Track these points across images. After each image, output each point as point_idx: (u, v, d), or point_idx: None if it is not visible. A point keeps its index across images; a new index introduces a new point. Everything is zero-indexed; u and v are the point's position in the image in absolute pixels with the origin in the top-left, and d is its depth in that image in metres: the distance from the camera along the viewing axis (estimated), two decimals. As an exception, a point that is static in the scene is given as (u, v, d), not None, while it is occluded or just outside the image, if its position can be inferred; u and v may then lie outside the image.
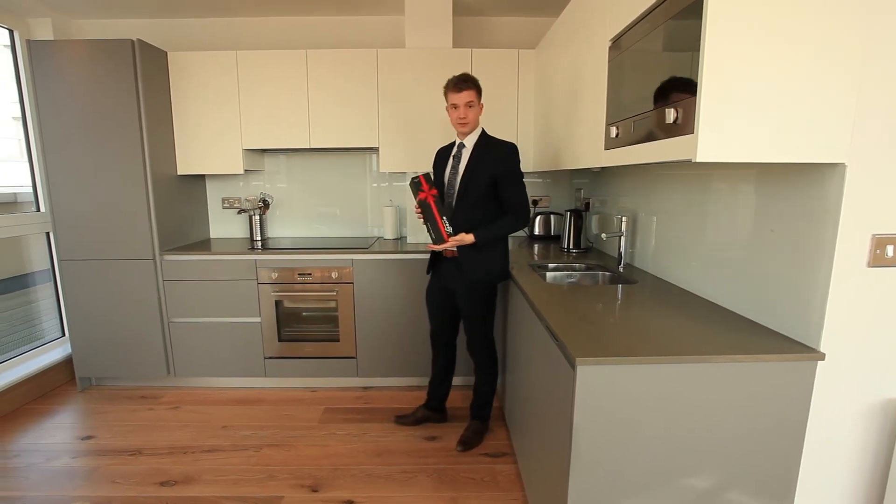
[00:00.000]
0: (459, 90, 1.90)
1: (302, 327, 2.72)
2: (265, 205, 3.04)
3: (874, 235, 1.10)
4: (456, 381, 2.65)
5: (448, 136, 2.21)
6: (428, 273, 2.18)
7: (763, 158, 1.04)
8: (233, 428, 2.34)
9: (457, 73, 1.95)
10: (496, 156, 1.95)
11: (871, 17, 1.00)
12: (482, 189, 1.94)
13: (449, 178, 2.02)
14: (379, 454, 2.11)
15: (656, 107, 1.20)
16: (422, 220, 1.96)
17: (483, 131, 2.01)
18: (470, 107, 1.91)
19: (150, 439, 2.24)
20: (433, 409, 2.34)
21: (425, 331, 2.39)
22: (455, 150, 2.02)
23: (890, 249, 1.11)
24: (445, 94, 1.95)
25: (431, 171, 2.08)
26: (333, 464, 2.04)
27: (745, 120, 1.01)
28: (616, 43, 1.51)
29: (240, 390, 2.74)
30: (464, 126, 1.94)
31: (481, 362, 2.14)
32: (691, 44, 1.03)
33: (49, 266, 2.92)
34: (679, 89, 1.10)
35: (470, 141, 1.99)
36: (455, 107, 1.92)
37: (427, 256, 2.20)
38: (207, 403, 2.59)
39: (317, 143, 2.76)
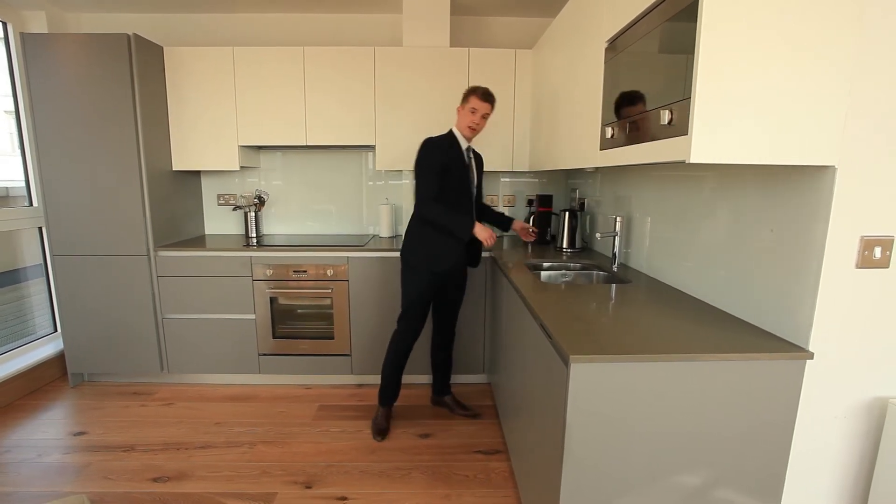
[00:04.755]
0: (486, 100, 2.08)
1: (297, 324, 2.72)
2: (261, 201, 3.04)
3: (863, 237, 1.12)
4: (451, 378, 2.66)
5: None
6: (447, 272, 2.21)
7: (755, 160, 1.05)
8: (226, 424, 2.33)
9: (481, 85, 2.13)
10: (481, 160, 2.34)
11: (863, 23, 1.02)
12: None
13: (471, 176, 2.22)
14: (373, 451, 2.11)
15: (650, 110, 1.22)
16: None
17: None
18: (484, 118, 2.11)
19: (142, 435, 2.24)
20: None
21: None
22: (467, 152, 2.18)
23: (878, 251, 1.13)
24: (468, 97, 2.10)
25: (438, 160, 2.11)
26: (327, 460, 2.04)
27: (739, 122, 1.03)
28: (612, 44, 1.52)
29: (234, 387, 2.73)
30: (473, 132, 2.13)
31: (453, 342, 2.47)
32: (686, 46, 1.05)
33: (41, 261, 2.90)
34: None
35: (471, 146, 2.24)
36: (474, 111, 2.08)
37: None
38: (201, 400, 2.59)
39: (313, 141, 2.76)
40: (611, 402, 1.14)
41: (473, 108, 2.07)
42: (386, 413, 2.29)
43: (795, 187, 1.20)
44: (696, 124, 1.02)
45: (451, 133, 2.16)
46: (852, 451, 1.26)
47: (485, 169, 2.86)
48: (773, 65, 1.01)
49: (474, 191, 2.24)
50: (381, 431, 2.21)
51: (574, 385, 1.13)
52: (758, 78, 1.01)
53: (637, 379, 1.13)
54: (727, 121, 1.03)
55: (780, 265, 1.25)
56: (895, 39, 1.05)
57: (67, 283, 2.61)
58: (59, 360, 2.82)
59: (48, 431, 2.27)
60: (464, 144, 2.15)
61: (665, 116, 1.12)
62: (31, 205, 2.81)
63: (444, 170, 2.09)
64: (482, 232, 2.10)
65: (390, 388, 2.28)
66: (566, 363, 1.13)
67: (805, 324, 1.17)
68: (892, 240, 1.13)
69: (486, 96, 2.07)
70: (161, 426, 2.32)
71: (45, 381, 2.77)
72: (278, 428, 2.30)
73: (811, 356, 1.14)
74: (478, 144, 2.81)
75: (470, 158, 2.20)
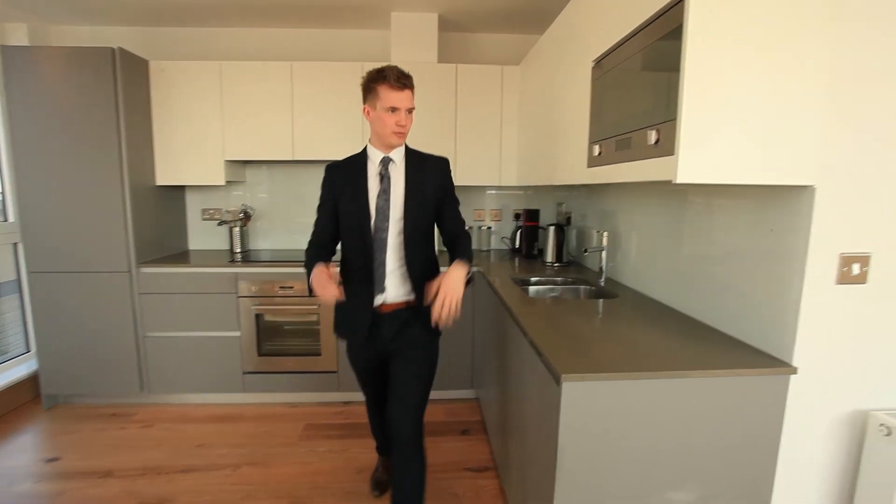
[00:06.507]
0: (402, 88, 1.42)
1: (282, 341, 2.67)
2: (246, 216, 3.00)
3: (841, 254, 1.16)
4: (438, 395, 2.63)
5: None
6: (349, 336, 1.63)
7: (739, 180, 1.08)
8: (209, 446, 2.26)
9: (394, 68, 1.44)
10: (436, 171, 1.57)
11: (839, 49, 1.07)
12: (430, 214, 1.56)
13: (380, 204, 1.50)
14: (359, 471, 2.07)
15: (637, 130, 1.25)
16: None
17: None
18: (410, 112, 1.47)
19: (121, 460, 2.15)
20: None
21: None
22: (380, 167, 1.52)
23: (856, 267, 1.17)
24: (375, 89, 1.43)
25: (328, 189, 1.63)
26: (314, 482, 2.00)
27: (723, 144, 1.06)
28: (599, 64, 1.56)
29: (217, 406, 2.66)
30: (401, 137, 1.49)
31: (421, 447, 1.52)
32: (672, 67, 1.08)
33: (15, 277, 2.80)
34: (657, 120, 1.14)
35: (398, 155, 1.54)
36: (394, 110, 1.43)
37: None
38: (183, 421, 2.51)
39: (301, 156, 2.75)
40: (602, 420, 1.14)
41: (392, 106, 1.42)
42: (384, 463, 2.00)
43: (778, 205, 1.23)
44: (682, 145, 1.05)
45: (363, 151, 1.58)
46: (836, 463, 1.28)
47: (471, 183, 2.89)
48: (755, 89, 1.05)
49: (388, 223, 1.50)
50: (378, 485, 1.94)
51: (566, 403, 1.13)
52: (741, 102, 1.05)
53: (628, 396, 1.14)
54: (712, 142, 1.06)
55: (763, 281, 1.28)
56: (871, 64, 1.10)
57: (44, 301, 2.52)
58: (32, 381, 2.71)
59: (19, 458, 2.17)
60: (377, 158, 1.53)
61: (652, 136, 1.14)
62: (5, 220, 2.73)
63: (335, 203, 1.57)
64: (315, 281, 1.40)
65: (373, 436, 2.00)
66: (558, 381, 1.13)
67: (789, 339, 1.19)
68: (869, 257, 1.17)
69: (402, 79, 1.42)
70: (140, 450, 2.24)
71: (17, 403, 2.65)
72: (263, 449, 2.24)
73: (795, 371, 1.17)
74: (465, 159, 2.83)
75: (387, 174, 1.51)
